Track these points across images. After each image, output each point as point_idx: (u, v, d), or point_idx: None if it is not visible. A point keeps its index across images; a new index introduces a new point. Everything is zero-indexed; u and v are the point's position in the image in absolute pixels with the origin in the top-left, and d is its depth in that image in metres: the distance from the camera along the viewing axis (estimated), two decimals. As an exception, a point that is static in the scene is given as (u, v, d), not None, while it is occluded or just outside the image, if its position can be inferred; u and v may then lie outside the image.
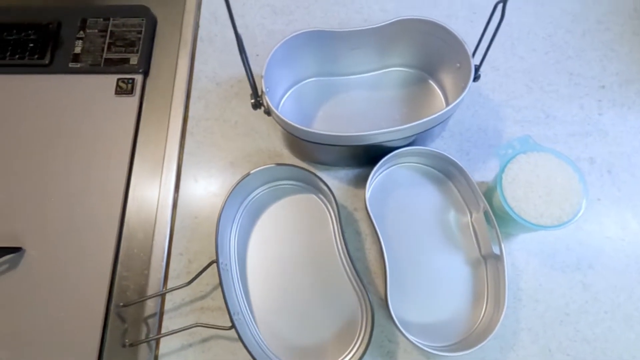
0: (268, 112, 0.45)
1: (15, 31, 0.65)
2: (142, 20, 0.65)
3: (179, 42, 0.58)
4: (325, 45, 0.48)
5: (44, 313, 0.52)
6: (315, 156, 0.49)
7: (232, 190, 0.46)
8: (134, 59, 0.63)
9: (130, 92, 0.62)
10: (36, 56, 0.64)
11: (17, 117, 0.62)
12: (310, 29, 0.46)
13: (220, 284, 0.42)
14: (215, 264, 0.45)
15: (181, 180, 0.51)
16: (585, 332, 0.44)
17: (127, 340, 0.45)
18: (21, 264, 0.55)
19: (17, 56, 0.64)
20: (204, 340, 0.46)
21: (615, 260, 0.47)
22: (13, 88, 0.63)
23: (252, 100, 0.46)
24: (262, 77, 0.44)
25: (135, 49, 0.64)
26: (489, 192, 0.46)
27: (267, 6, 0.58)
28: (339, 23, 0.55)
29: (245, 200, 0.50)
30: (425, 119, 0.43)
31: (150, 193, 0.57)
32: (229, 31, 0.57)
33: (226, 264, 0.46)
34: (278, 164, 0.46)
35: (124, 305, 0.46)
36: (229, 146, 0.52)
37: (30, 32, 0.65)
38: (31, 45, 0.64)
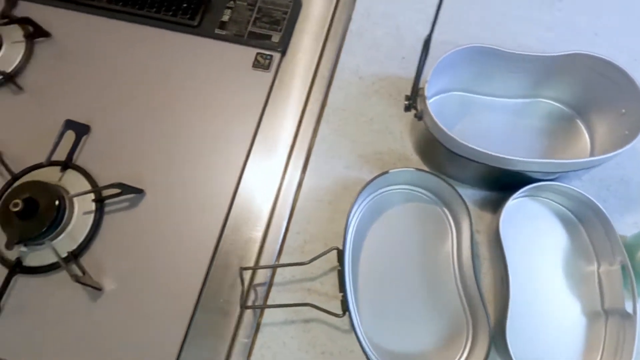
0: (420, 116, 0.46)
1: (173, -11, 0.69)
2: (290, 2, 0.67)
3: (328, 30, 0.59)
4: (486, 62, 0.48)
5: (152, 255, 0.56)
6: (450, 169, 0.49)
7: (367, 185, 0.46)
8: (275, 37, 0.66)
9: (267, 67, 0.64)
10: (187, 16, 0.67)
11: (158, 69, 0.65)
12: (483, 45, 0.46)
13: (342, 273, 0.43)
14: (335, 251, 0.46)
15: (309, 162, 0.53)
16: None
17: (247, 303, 0.47)
18: (140, 205, 0.58)
19: (170, 12, 0.68)
20: (307, 321, 0.47)
21: None
22: (159, 41, 0.67)
23: (406, 102, 0.47)
24: (426, 82, 0.44)
25: (279, 27, 0.66)
26: (630, 247, 0.45)
27: (422, 12, 0.58)
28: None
29: (369, 196, 0.50)
30: (581, 160, 0.42)
31: (270, 167, 0.59)
32: (378, 29, 0.58)
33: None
34: (418, 169, 0.46)
35: (245, 269, 0.48)
36: (361, 140, 0.53)
37: (185, -8, 0.69)
38: (184, 5, 0.68)
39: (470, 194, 0.51)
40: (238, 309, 0.52)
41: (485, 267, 0.48)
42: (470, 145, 0.43)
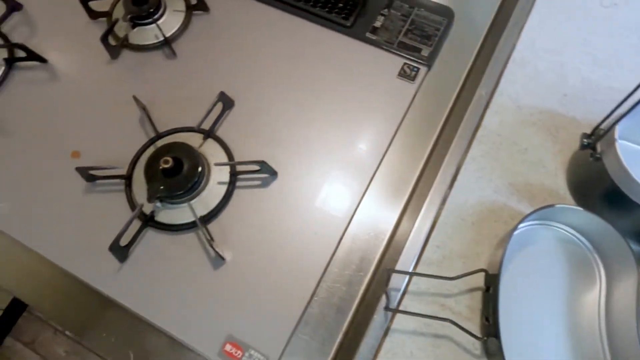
0: (599, 157, 0.45)
1: (331, -12, 0.71)
2: (444, 20, 0.68)
3: (492, 54, 0.59)
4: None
5: (275, 237, 0.57)
6: (617, 218, 0.47)
7: (529, 215, 0.45)
8: (425, 51, 0.66)
9: (412, 79, 0.65)
10: (342, 16, 0.69)
11: (306, 60, 0.67)
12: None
13: (494, 298, 0.42)
14: (483, 273, 0.45)
15: (456, 179, 0.52)
16: None
17: (391, 306, 0.47)
18: (270, 186, 0.60)
19: (326, 9, 0.70)
20: (438, 336, 0.46)
21: None
22: (311, 35, 0.69)
23: (585, 140, 0.46)
24: (616, 124, 0.43)
25: (430, 42, 0.67)
26: None
27: (589, 54, 0.57)
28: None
29: (519, 225, 0.49)
30: None
31: (403, 182, 0.59)
32: (541, 63, 0.58)
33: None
34: (586, 211, 0.45)
35: (393, 271, 0.48)
36: (512, 168, 0.52)
37: (343, -7, 0.70)
38: (340, 5, 0.70)
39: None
40: (353, 307, 0.52)
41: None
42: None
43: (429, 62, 0.66)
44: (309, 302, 0.53)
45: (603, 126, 0.45)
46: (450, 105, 0.63)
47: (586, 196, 0.50)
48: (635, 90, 0.38)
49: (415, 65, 0.66)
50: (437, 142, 0.61)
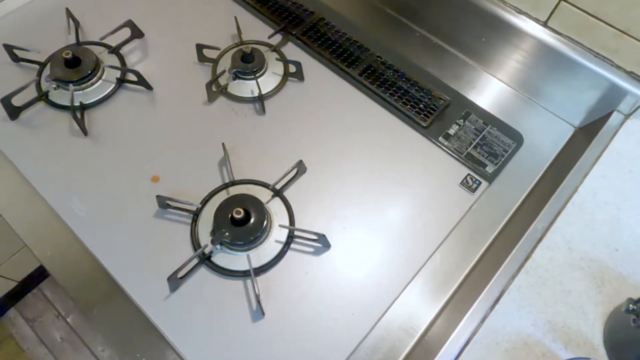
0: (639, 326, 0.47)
1: (416, 89, 0.78)
2: (514, 143, 0.73)
3: (555, 191, 0.63)
4: None
5: (317, 304, 0.60)
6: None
7: (564, 360, 0.48)
8: (490, 168, 0.71)
9: (473, 191, 0.69)
10: (420, 116, 0.75)
11: (378, 146, 0.73)
12: None
13: None
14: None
15: (497, 304, 0.55)
16: None
17: None
18: (321, 256, 0.63)
19: (408, 106, 0.76)
20: None
21: None
22: (388, 125, 0.75)
23: (632, 306, 0.48)
24: (665, 301, 0.46)
25: (496, 161, 0.72)
26: None
27: (646, 215, 0.61)
28: None
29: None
30: None
31: (440, 290, 0.62)
32: (599, 213, 0.61)
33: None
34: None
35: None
36: (553, 307, 0.55)
37: (426, 96, 0.77)
38: (421, 106, 0.76)
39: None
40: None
41: None
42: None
43: (490, 179, 0.70)
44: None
45: (650, 296, 0.48)
46: (501, 225, 0.67)
47: (620, 356, 0.51)
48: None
49: (477, 178, 0.70)
50: (484, 256, 0.65)
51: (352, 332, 0.59)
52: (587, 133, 0.73)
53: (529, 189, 0.70)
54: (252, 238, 0.61)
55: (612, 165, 0.65)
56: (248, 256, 0.60)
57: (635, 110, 0.69)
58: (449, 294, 0.62)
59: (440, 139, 0.73)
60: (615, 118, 0.70)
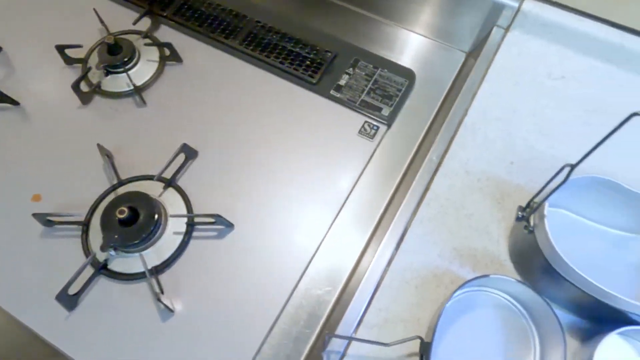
0: (531, 230, 0.47)
1: (300, 46, 0.74)
2: (406, 81, 0.71)
3: (446, 118, 0.62)
4: (604, 193, 0.49)
5: (227, 288, 0.58)
6: (546, 287, 0.49)
7: (464, 284, 0.47)
8: (385, 110, 0.69)
9: (372, 137, 0.67)
10: (308, 73, 0.72)
11: (270, 114, 0.70)
12: (609, 179, 0.47)
13: (427, 366, 0.43)
14: (419, 340, 0.46)
15: (403, 242, 0.54)
16: None
17: None
18: (226, 237, 0.61)
19: (293, 66, 0.73)
20: (374, 403, 0.46)
21: None
22: (278, 89, 0.72)
23: (520, 213, 0.48)
24: (546, 200, 0.45)
25: (390, 102, 0.70)
26: None
27: (535, 124, 0.60)
28: (604, 172, 0.55)
29: (459, 292, 0.51)
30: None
31: (356, 238, 0.60)
32: (491, 130, 0.60)
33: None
34: (519, 282, 0.47)
35: (331, 335, 0.48)
36: (457, 233, 0.54)
37: (311, 51, 0.74)
38: (307, 62, 0.73)
39: (559, 314, 0.50)
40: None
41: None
42: (580, 273, 0.43)
43: (388, 121, 0.68)
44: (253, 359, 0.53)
45: (537, 199, 0.47)
46: (406, 165, 0.66)
47: (523, 266, 0.51)
48: (573, 168, 0.40)
49: (375, 123, 0.68)
50: (391, 201, 0.63)
51: (269, 306, 0.56)
52: (476, 55, 0.71)
53: (428, 124, 0.69)
54: (144, 235, 0.57)
55: (498, 80, 0.64)
56: (141, 256, 0.57)
57: (513, 22, 0.68)
58: (362, 246, 0.60)
59: (332, 92, 0.71)
60: (496, 33, 0.69)
